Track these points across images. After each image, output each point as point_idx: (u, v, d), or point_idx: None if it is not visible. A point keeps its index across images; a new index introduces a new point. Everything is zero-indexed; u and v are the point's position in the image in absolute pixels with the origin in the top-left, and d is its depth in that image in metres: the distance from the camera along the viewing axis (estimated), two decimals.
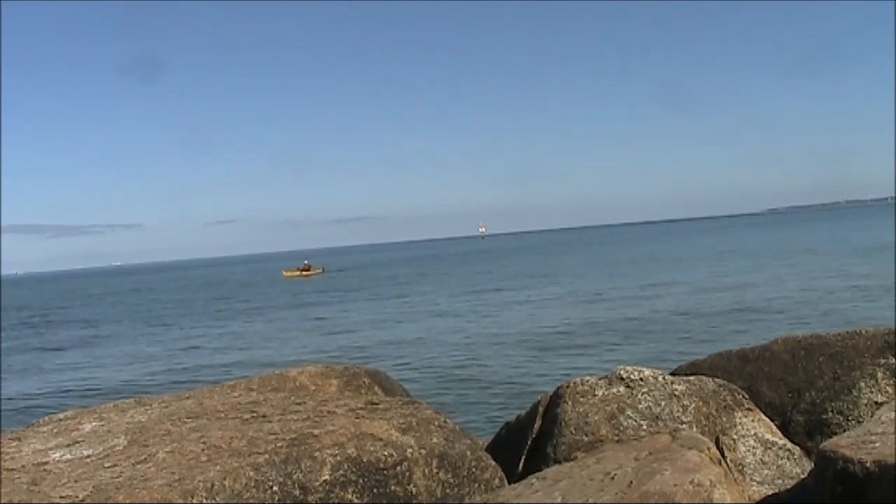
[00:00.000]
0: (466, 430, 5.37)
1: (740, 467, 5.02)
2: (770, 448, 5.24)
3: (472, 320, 32.41)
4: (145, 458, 4.10)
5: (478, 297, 44.20)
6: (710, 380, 5.66)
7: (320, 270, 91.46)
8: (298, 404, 5.04)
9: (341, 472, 4.00)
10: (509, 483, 4.56)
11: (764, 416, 5.60)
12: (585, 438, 5.07)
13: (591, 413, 5.19)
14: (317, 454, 4.03)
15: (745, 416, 5.43)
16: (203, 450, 4.15)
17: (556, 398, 5.50)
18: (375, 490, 4.07)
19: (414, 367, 21.77)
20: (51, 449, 4.44)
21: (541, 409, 5.64)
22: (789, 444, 5.39)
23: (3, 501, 3.60)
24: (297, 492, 3.87)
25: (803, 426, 5.88)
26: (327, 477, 3.96)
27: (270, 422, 4.60)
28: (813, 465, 4.37)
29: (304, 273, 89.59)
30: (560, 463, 4.74)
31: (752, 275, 42.80)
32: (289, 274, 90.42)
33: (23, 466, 4.13)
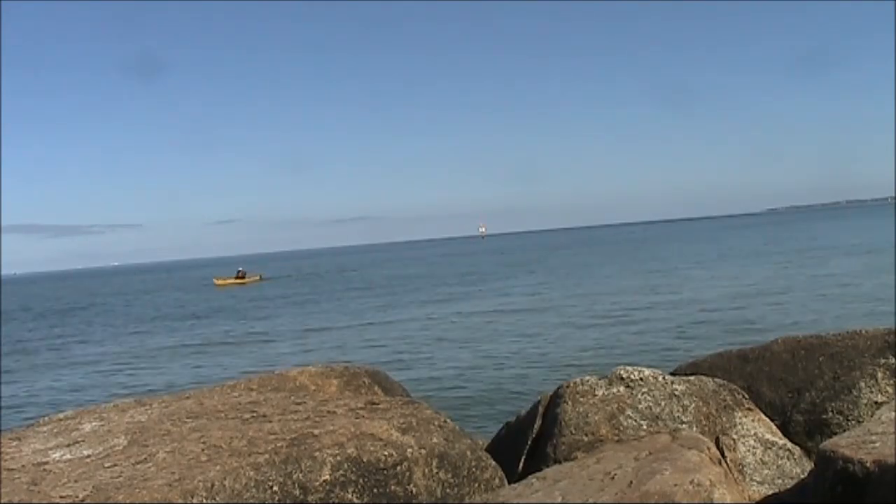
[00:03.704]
0: (466, 430, 5.37)
1: (740, 467, 5.02)
2: (770, 448, 5.24)
3: (471, 320, 32.41)
4: (145, 458, 4.10)
5: (476, 297, 44.20)
6: (710, 380, 5.66)
7: (257, 278, 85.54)
8: (298, 404, 5.04)
9: (341, 472, 4.01)
10: (509, 483, 4.56)
11: (764, 416, 5.60)
12: (585, 438, 5.07)
13: (591, 413, 5.19)
14: (317, 454, 4.03)
15: (745, 416, 5.43)
16: (203, 450, 4.15)
17: (556, 398, 5.50)
18: (375, 490, 4.07)
19: (414, 366, 21.76)
20: (51, 449, 4.45)
21: (541, 409, 5.65)
22: (789, 444, 5.40)
23: (3, 501, 3.60)
24: (297, 492, 3.87)
25: (803, 426, 5.89)
26: (327, 477, 3.96)
27: (270, 422, 4.61)
28: (813, 465, 4.38)
29: (239, 281, 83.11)
30: (560, 463, 4.74)
31: (752, 275, 42.80)
32: (221, 282, 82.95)
33: (23, 466, 4.14)
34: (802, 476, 4.79)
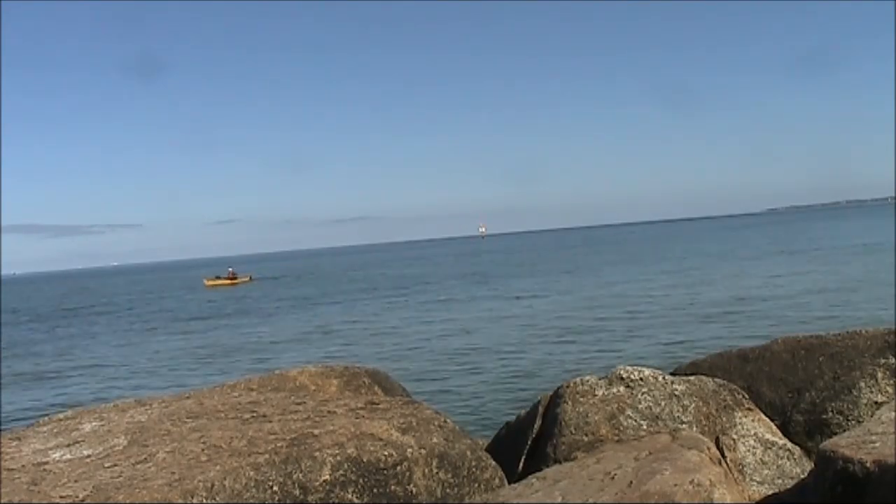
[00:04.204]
0: (466, 430, 5.37)
1: (740, 467, 5.02)
2: (770, 448, 5.24)
3: (471, 320, 32.40)
4: (145, 458, 4.10)
5: (476, 297, 44.21)
6: (710, 380, 5.66)
7: (247, 279, 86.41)
8: (298, 404, 5.04)
9: (341, 472, 4.00)
10: (509, 483, 4.56)
11: (764, 416, 5.60)
12: (585, 438, 5.07)
13: (591, 413, 5.19)
14: (317, 454, 4.03)
15: (745, 416, 5.43)
16: (203, 450, 4.15)
17: (556, 398, 5.50)
18: (375, 490, 4.07)
19: (414, 367, 21.76)
20: (51, 449, 4.45)
21: (541, 409, 5.65)
22: (789, 444, 5.40)
23: (3, 501, 3.60)
24: (297, 492, 3.87)
25: (803, 426, 5.89)
26: (327, 477, 3.96)
27: (270, 422, 4.61)
28: (813, 465, 4.38)
29: (230, 281, 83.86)
30: (560, 463, 4.74)
31: (752, 274, 42.82)
32: (211, 283, 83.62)
33: (23, 466, 4.14)
34: (802, 476, 4.79)
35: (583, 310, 32.54)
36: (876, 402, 5.69)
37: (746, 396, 5.68)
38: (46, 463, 4.18)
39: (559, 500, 3.74)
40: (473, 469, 4.49)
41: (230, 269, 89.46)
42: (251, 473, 3.83)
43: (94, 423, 4.95)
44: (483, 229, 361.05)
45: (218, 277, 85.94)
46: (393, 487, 4.12)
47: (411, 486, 4.19)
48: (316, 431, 4.32)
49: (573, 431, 5.14)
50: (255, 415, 4.81)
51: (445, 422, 4.76)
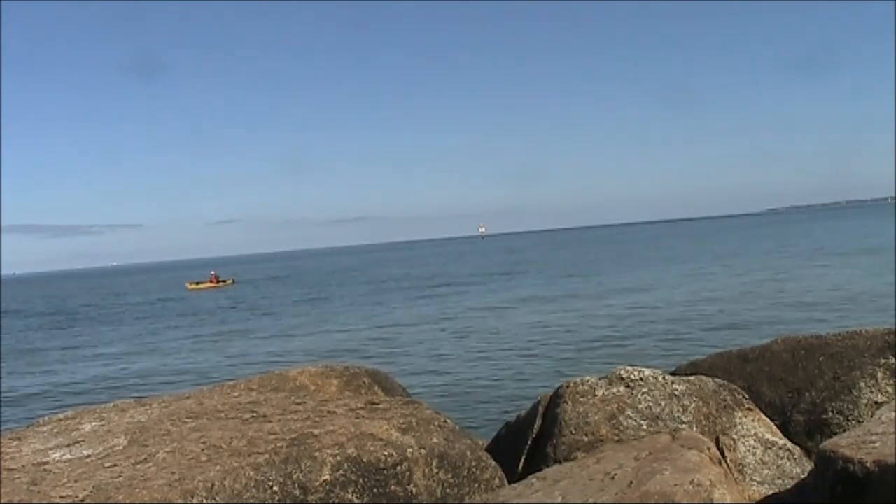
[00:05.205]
0: (466, 430, 5.37)
1: (740, 467, 5.02)
2: (770, 448, 5.24)
3: (471, 321, 32.41)
4: (145, 458, 4.10)
5: (476, 297, 44.22)
6: (710, 380, 5.66)
7: (230, 281, 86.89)
8: (298, 404, 5.04)
9: (341, 472, 4.01)
10: (509, 483, 4.56)
11: (764, 416, 5.60)
12: (585, 438, 5.07)
13: (591, 413, 5.19)
14: (317, 454, 4.03)
15: (745, 416, 5.43)
16: (203, 450, 4.15)
17: (556, 398, 5.50)
18: (375, 490, 4.07)
19: (414, 367, 21.77)
20: (51, 449, 4.45)
21: (541, 409, 5.65)
22: (789, 444, 5.40)
23: (3, 501, 3.60)
24: (297, 492, 3.87)
25: (803, 426, 5.89)
26: (327, 477, 3.96)
27: (270, 422, 4.61)
28: (813, 465, 4.38)
29: (212, 285, 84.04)
30: (560, 463, 4.74)
31: (752, 275, 42.83)
32: (193, 286, 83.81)
33: (23, 466, 4.14)
34: (802, 476, 4.79)
35: (583, 309, 32.54)
36: (876, 402, 5.69)
37: (746, 396, 5.68)
38: (46, 463, 4.18)
39: (559, 500, 3.74)
40: (473, 469, 4.49)
41: (212, 273, 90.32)
42: (251, 473, 3.83)
43: (94, 423, 4.96)
44: (483, 229, 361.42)
45: (199, 282, 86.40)
46: (393, 487, 4.13)
47: (411, 486, 4.19)
48: (316, 431, 4.32)
49: (573, 431, 5.13)
50: (255, 415, 4.81)
51: (445, 422, 4.76)
